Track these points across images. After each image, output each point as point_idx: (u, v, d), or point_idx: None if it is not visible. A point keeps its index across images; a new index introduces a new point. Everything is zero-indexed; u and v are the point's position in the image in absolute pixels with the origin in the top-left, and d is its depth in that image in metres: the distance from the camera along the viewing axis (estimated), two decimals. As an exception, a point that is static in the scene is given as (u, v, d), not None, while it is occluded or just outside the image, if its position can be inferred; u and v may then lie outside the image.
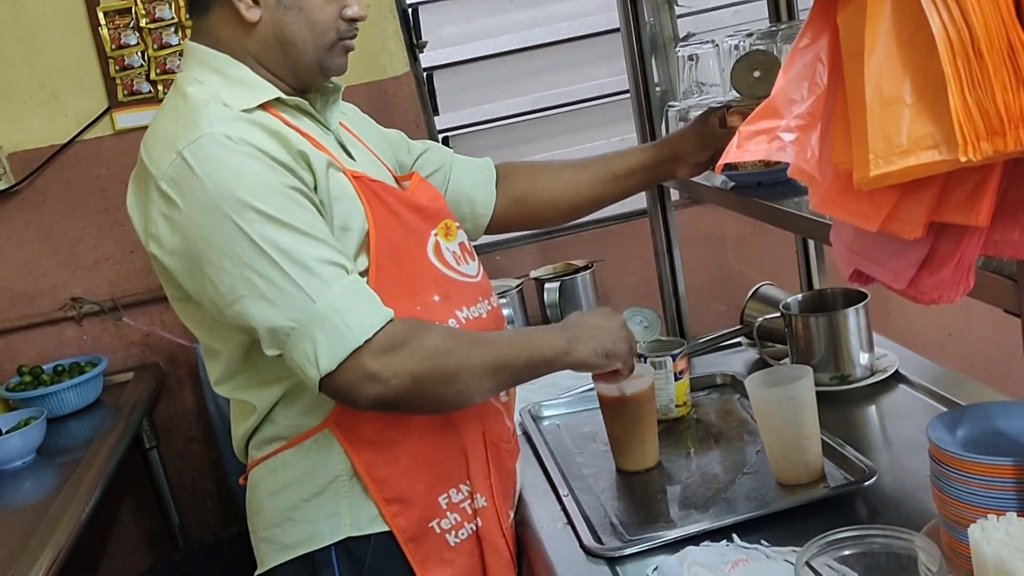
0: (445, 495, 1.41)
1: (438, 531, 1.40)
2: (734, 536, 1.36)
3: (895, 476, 1.47)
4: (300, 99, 1.39)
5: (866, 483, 1.41)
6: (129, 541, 2.86)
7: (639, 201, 2.65)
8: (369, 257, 1.34)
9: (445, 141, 2.80)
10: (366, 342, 1.23)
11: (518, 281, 2.56)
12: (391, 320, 1.26)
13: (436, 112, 2.80)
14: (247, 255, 1.22)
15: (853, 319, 1.77)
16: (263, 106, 1.33)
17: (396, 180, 1.50)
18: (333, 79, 1.46)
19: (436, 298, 1.39)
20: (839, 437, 1.54)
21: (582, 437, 1.80)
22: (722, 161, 0.93)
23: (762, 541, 1.34)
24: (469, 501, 1.43)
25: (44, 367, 2.56)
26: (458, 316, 1.41)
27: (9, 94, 2.59)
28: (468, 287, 1.45)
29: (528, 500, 1.60)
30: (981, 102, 0.71)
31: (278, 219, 1.23)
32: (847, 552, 1.12)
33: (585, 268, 2.58)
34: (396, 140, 1.70)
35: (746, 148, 0.85)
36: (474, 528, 1.43)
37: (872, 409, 1.75)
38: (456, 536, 1.42)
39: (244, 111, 1.30)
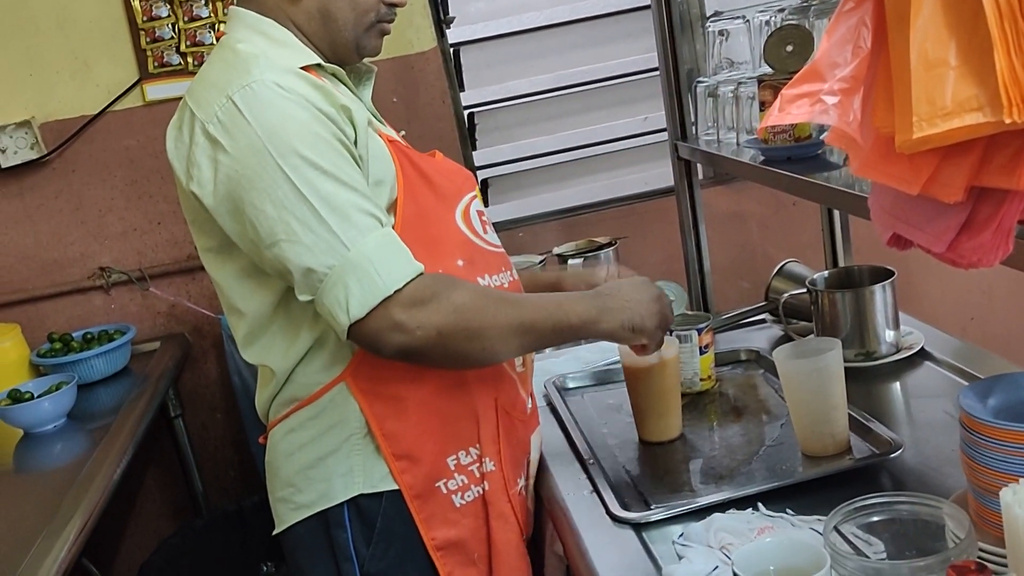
0: (454, 456, 1.43)
1: (444, 491, 1.42)
2: (759, 505, 1.38)
3: (919, 450, 1.48)
4: (338, 67, 1.42)
5: (892, 455, 1.42)
6: (154, 507, 2.90)
7: (663, 179, 2.67)
8: (395, 217, 1.37)
9: (471, 117, 2.81)
10: (396, 292, 1.26)
11: (541, 257, 2.57)
12: (421, 273, 1.29)
13: (462, 88, 2.81)
14: (288, 200, 1.26)
15: (880, 296, 1.77)
16: (307, 69, 1.37)
17: None
18: (366, 60, 1.49)
19: (460, 263, 1.41)
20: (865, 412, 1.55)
21: (607, 408, 1.81)
22: (764, 124, 0.94)
23: (787, 510, 1.35)
24: (478, 464, 1.45)
25: (74, 334, 2.59)
26: (480, 282, 1.43)
27: (42, 64, 2.62)
28: (492, 255, 1.48)
29: (553, 468, 1.62)
30: (1027, 64, 0.72)
31: (321, 167, 1.27)
32: (875, 519, 1.14)
33: (608, 245, 2.58)
34: None
35: (788, 111, 0.86)
36: (481, 492, 1.45)
37: (897, 385, 1.76)
38: (462, 498, 1.44)
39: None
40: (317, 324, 1.37)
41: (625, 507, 1.44)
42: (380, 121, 1.48)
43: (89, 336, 2.59)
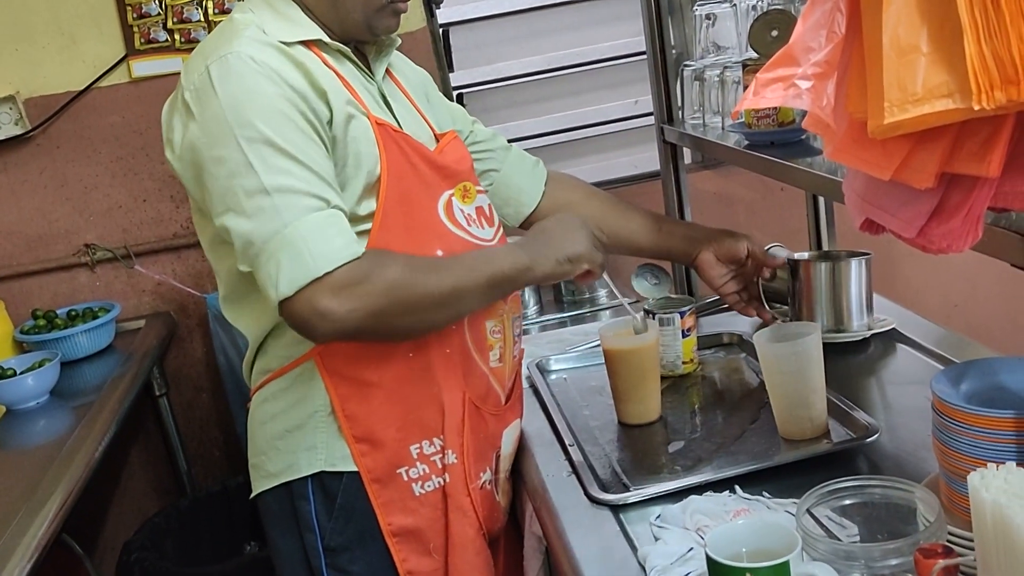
0: (417, 445, 1.44)
1: (405, 479, 1.43)
2: (736, 488, 1.39)
3: (897, 435, 1.49)
4: (343, 46, 1.42)
5: (868, 439, 1.43)
6: (138, 487, 2.90)
7: (650, 163, 2.67)
8: (377, 201, 1.37)
9: (460, 98, 2.80)
10: (326, 275, 1.25)
11: (528, 239, 2.57)
12: (358, 257, 1.29)
13: (451, 69, 2.80)
14: (239, 170, 1.27)
15: (855, 269, 1.78)
16: (308, 44, 1.37)
17: (436, 138, 1.53)
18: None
19: (439, 252, 1.41)
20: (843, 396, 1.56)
21: (588, 391, 1.82)
22: (739, 108, 0.95)
23: (764, 493, 1.36)
24: (440, 455, 1.45)
25: (58, 311, 2.59)
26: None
27: (28, 39, 2.60)
28: (474, 248, 1.47)
29: (534, 450, 1.62)
30: (996, 51, 0.72)
31: (275, 143, 1.27)
32: (848, 502, 1.15)
33: (595, 228, 2.58)
34: (459, 116, 1.74)
35: (763, 95, 0.86)
36: (441, 483, 1.45)
37: (875, 369, 1.77)
38: (422, 487, 1.44)
39: (282, 42, 1.34)
40: None
41: (604, 489, 1.45)
42: (387, 101, 1.47)
43: (73, 313, 2.59)
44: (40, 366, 2.27)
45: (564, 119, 2.88)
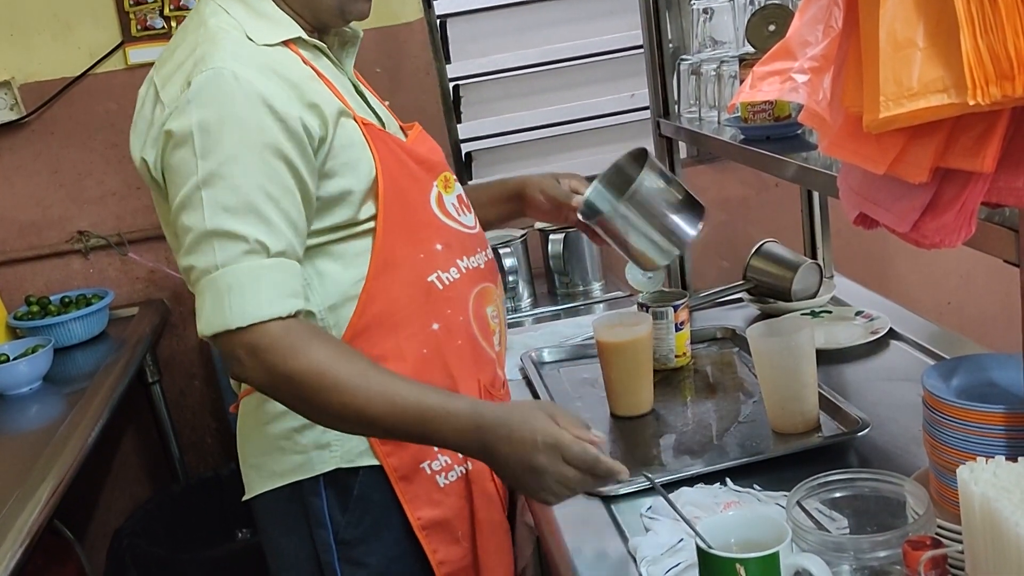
0: None
1: (428, 472, 1.41)
2: (727, 480, 1.40)
3: (887, 430, 1.50)
4: (320, 42, 1.39)
5: (859, 434, 1.44)
6: (130, 473, 2.90)
7: (646, 157, 2.67)
8: (377, 204, 1.35)
9: (456, 90, 2.80)
10: (238, 329, 1.21)
11: (522, 231, 2.57)
12: (279, 318, 1.22)
13: (448, 60, 2.80)
14: (190, 199, 1.23)
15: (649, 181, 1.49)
16: (287, 42, 1.33)
17: (402, 130, 1.51)
18: (352, 25, 1.46)
19: (439, 247, 1.41)
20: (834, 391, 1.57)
21: (581, 383, 1.82)
22: (735, 100, 0.95)
23: (755, 486, 1.37)
24: None
25: (51, 298, 2.58)
26: (459, 265, 1.43)
27: (24, 25, 2.59)
28: (468, 237, 1.47)
29: (526, 441, 1.63)
30: (992, 46, 0.72)
31: (232, 180, 1.22)
32: (838, 495, 1.16)
33: (590, 221, 2.58)
34: None
35: (759, 88, 0.87)
36: (464, 471, 1.44)
37: (868, 366, 1.78)
38: (446, 478, 1.43)
39: (266, 46, 1.30)
40: None
41: (594, 480, 1.45)
42: (361, 95, 1.45)
43: (67, 300, 2.58)
44: (33, 352, 2.27)
45: (560, 112, 2.87)
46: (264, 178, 1.24)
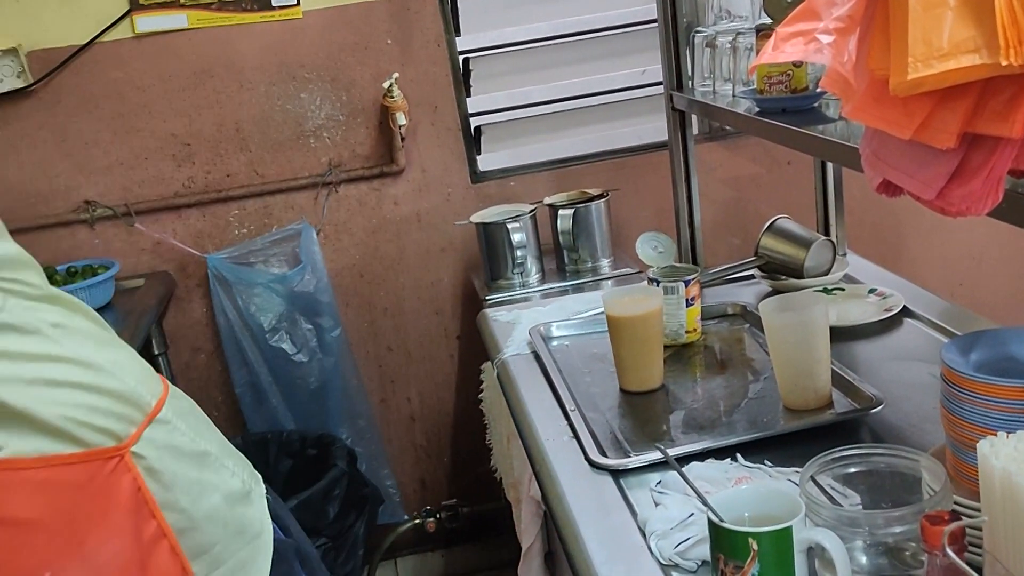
0: None
1: None
2: (737, 456, 1.38)
3: (900, 407, 1.48)
4: None
5: (872, 411, 1.42)
6: (135, 445, 2.89)
7: (657, 134, 2.64)
8: None
9: (466, 63, 2.77)
10: None
11: (532, 206, 2.56)
12: None
13: (458, 33, 2.77)
14: None
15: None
16: None
17: None
18: None
19: None
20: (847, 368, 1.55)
21: (591, 358, 1.81)
22: (757, 62, 0.92)
23: (765, 461, 1.36)
24: None
25: (57, 268, 2.56)
26: None
27: (30, -9, 2.57)
28: None
29: (534, 415, 1.61)
30: (1027, 4, 0.70)
31: None
32: (852, 470, 1.14)
33: (600, 196, 2.57)
34: None
35: (782, 49, 0.84)
36: None
37: (880, 343, 1.76)
38: None
39: None
40: None
41: (604, 454, 1.44)
42: None
43: (72, 270, 2.57)
44: (38, 321, 2.25)
45: (571, 87, 2.84)
46: None
